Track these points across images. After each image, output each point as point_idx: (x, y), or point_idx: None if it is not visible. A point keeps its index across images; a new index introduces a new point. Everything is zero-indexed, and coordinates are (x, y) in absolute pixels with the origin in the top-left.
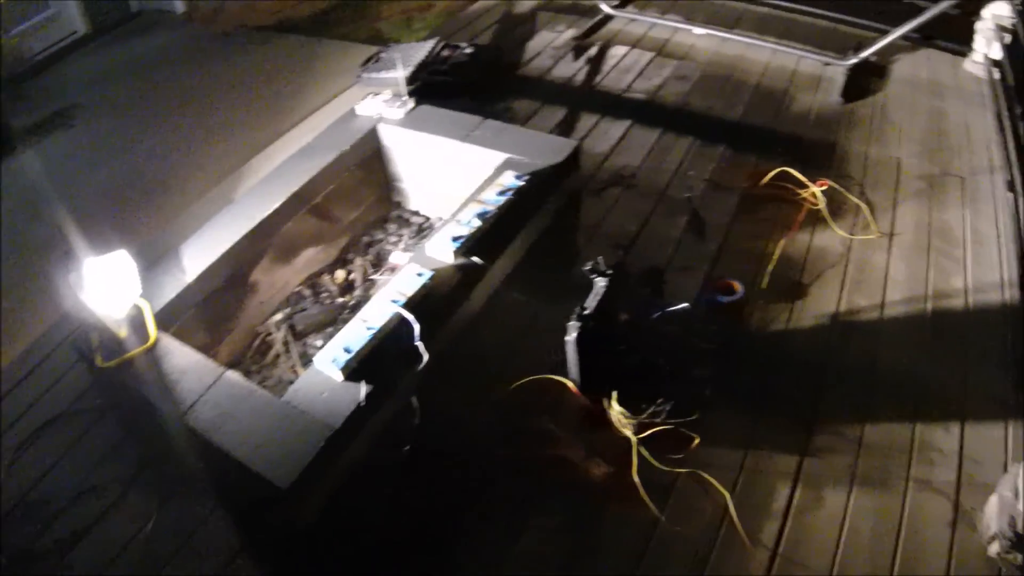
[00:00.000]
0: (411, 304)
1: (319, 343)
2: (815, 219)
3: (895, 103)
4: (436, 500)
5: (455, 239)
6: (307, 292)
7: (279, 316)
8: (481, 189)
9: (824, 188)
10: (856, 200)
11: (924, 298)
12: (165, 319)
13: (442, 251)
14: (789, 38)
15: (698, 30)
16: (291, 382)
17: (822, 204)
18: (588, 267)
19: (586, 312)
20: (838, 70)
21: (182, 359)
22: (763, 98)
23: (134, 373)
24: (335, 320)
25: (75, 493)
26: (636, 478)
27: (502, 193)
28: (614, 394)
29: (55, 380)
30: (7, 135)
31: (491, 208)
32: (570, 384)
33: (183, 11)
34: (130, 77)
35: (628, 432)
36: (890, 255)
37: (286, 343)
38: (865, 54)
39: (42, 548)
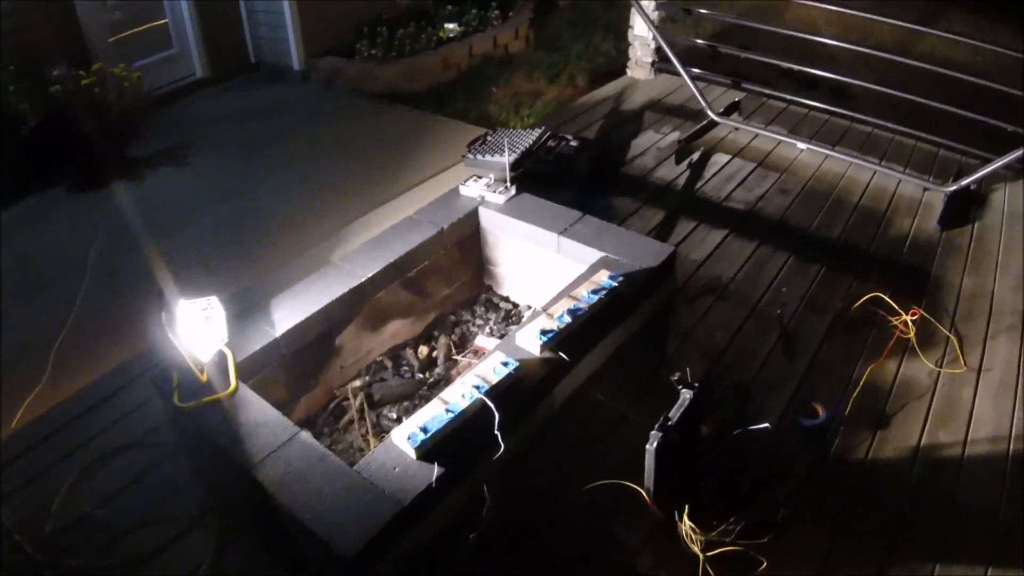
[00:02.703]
0: (494, 392)
1: (393, 415)
2: (904, 348)
3: (993, 234)
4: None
5: (544, 333)
6: (388, 363)
7: (358, 383)
8: (575, 285)
9: (916, 317)
10: (946, 332)
11: (1009, 438)
12: (247, 369)
13: (530, 343)
14: (891, 159)
15: (802, 144)
16: (361, 450)
17: (912, 334)
18: (675, 377)
19: (670, 423)
20: (938, 196)
21: (258, 412)
22: (862, 219)
23: (209, 418)
24: (413, 394)
25: (136, 523)
26: None
27: (596, 292)
28: (686, 508)
29: (130, 410)
30: (120, 163)
31: (583, 306)
32: (643, 493)
33: (300, 68)
34: (242, 125)
35: (696, 548)
36: (977, 391)
37: (361, 410)
38: (965, 182)
39: (95, 571)
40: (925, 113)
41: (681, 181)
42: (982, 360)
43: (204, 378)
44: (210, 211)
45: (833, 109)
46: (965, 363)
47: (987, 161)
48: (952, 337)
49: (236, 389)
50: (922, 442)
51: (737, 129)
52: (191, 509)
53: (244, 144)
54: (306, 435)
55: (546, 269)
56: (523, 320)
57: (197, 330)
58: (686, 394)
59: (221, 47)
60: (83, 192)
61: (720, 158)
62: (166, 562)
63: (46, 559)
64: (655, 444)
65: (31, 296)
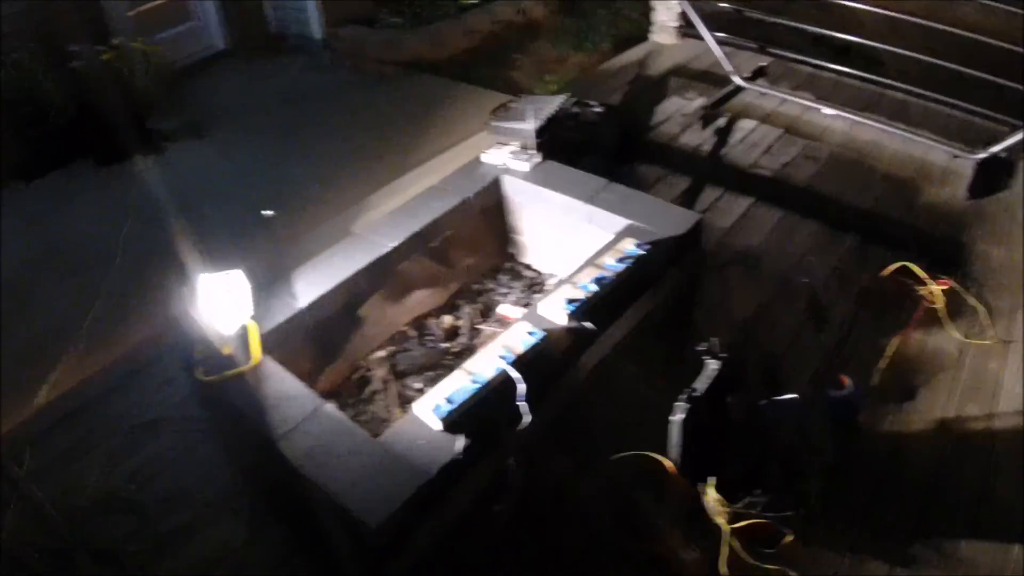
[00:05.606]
0: (519, 363)
1: (418, 385)
2: (933, 318)
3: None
4: (528, 560)
5: (570, 302)
6: (412, 333)
7: (382, 353)
8: (600, 253)
9: (945, 288)
10: (975, 302)
11: None
12: (271, 341)
13: (556, 313)
14: (920, 126)
15: (829, 110)
16: (385, 420)
17: (941, 304)
18: (702, 348)
19: (695, 395)
20: (967, 163)
21: (283, 385)
22: (891, 187)
23: (234, 392)
24: (437, 364)
25: (164, 501)
26: (725, 569)
27: (621, 260)
28: (711, 480)
29: (158, 386)
30: (143, 136)
31: (609, 275)
32: (669, 464)
33: (321, 38)
34: (263, 97)
35: (722, 521)
36: (1006, 364)
37: (385, 381)
38: (995, 149)
39: (128, 551)
40: (955, 80)
41: (707, 148)
42: (1010, 331)
43: (228, 351)
44: (232, 182)
45: (861, 75)
46: (994, 335)
47: (1018, 129)
48: (981, 308)
49: (260, 362)
50: (950, 415)
51: (763, 95)
52: (219, 487)
53: (264, 115)
54: (331, 407)
55: (570, 237)
56: (547, 289)
57: (221, 304)
58: (712, 364)
59: (241, 19)
60: (106, 166)
61: (746, 124)
62: (196, 542)
63: (77, 539)
64: (680, 416)
65: (58, 270)
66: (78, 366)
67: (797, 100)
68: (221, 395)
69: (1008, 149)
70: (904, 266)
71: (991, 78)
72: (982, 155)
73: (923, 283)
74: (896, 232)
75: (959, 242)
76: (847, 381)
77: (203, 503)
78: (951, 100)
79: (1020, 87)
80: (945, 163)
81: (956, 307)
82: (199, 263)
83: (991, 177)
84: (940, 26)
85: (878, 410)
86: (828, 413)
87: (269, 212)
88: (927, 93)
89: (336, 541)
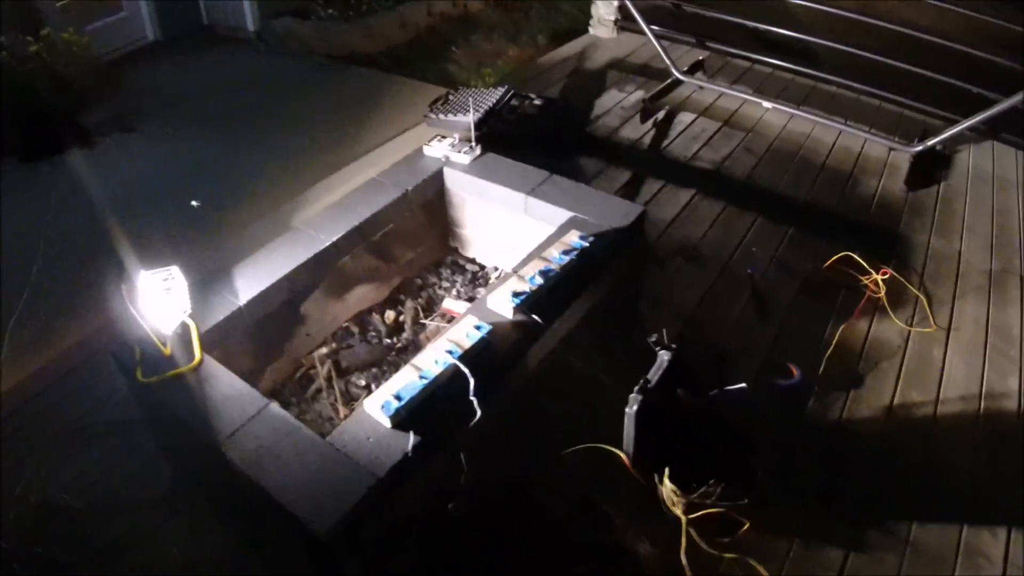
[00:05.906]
0: (467, 357)
1: (362, 382)
2: (875, 307)
3: (959, 195)
4: (483, 558)
5: (516, 295)
6: (355, 329)
7: (325, 350)
8: (545, 246)
9: (886, 276)
10: (916, 291)
11: (979, 397)
12: (211, 340)
13: (502, 306)
14: (857, 119)
15: (767, 103)
16: (330, 419)
17: (883, 293)
18: (653, 339)
19: (649, 386)
20: (903, 156)
21: (225, 385)
22: (829, 178)
23: (174, 393)
24: (381, 360)
25: (105, 508)
26: (684, 559)
27: (566, 253)
28: (666, 471)
29: (92, 388)
30: (72, 131)
31: (555, 267)
32: (623, 456)
33: (255, 30)
34: (195, 90)
35: (678, 511)
36: (947, 350)
37: (329, 379)
38: (931, 142)
39: (66, 561)
40: (890, 74)
41: (646, 140)
42: (951, 319)
43: (167, 352)
44: (164, 179)
45: (798, 68)
46: (935, 322)
47: (952, 122)
48: (921, 297)
49: (201, 361)
50: (895, 402)
51: (702, 88)
52: (161, 492)
53: (198, 109)
54: (275, 407)
55: (512, 230)
56: (491, 282)
57: (158, 302)
58: (664, 355)
59: (173, 9)
60: (32, 162)
61: (685, 117)
62: (139, 548)
63: (16, 551)
64: (635, 407)
65: None
66: (5, 365)
67: (735, 93)
68: (161, 397)
69: (943, 142)
70: (846, 256)
71: (925, 72)
72: (918, 148)
73: (865, 272)
74: (835, 223)
75: (898, 233)
76: (795, 370)
77: (143, 506)
78: (885, 93)
79: (953, 81)
80: (882, 156)
81: (897, 296)
82: (132, 259)
83: (927, 170)
84: (874, 21)
85: (825, 398)
86: (776, 400)
87: (196, 203)
88: (861, 86)
89: (285, 542)
